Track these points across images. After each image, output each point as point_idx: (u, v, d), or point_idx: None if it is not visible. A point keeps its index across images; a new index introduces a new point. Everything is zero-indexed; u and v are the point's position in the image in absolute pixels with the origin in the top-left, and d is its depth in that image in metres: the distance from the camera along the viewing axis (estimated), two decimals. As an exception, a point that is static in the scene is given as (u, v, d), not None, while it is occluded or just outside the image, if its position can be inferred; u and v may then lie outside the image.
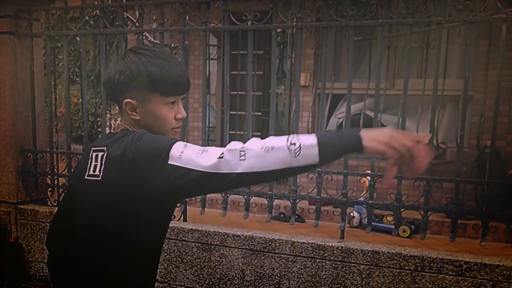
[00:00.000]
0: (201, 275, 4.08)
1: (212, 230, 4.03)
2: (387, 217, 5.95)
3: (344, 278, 3.69)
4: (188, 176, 1.37)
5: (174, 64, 1.61)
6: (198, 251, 4.06)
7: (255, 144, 1.40)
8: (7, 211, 4.66)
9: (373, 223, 4.35)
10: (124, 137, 1.53)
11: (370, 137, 1.43)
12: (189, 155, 1.40)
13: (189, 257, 4.10)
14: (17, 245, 4.62)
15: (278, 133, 6.51)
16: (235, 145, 1.42)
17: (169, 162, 1.40)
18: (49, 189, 4.80)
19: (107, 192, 1.53)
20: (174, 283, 4.17)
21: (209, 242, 4.03)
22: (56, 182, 4.72)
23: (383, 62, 4.47)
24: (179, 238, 4.11)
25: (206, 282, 4.07)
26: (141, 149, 1.47)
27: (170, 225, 4.05)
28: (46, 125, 4.81)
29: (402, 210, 3.84)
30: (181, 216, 4.38)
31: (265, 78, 7.32)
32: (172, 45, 5.27)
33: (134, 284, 1.65)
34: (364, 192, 5.59)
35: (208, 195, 4.44)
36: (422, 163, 1.47)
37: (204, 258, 4.05)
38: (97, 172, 1.56)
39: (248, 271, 3.93)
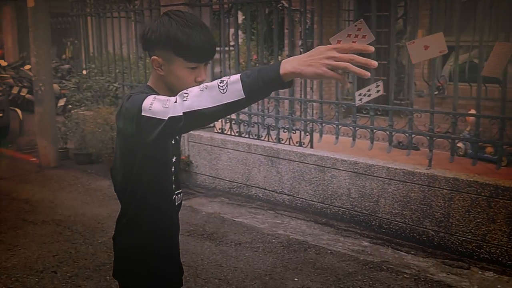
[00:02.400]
0: (317, 191, 5.09)
1: (326, 155, 4.99)
2: (488, 148, 6.33)
3: (429, 200, 4.39)
4: (157, 124, 1.48)
5: (202, 34, 1.69)
6: (315, 172, 5.07)
7: (197, 86, 1.48)
8: (182, 135, 6.12)
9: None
10: (135, 93, 1.66)
11: (287, 62, 1.40)
12: (157, 106, 1.49)
13: (308, 176, 5.12)
14: (188, 161, 6.08)
15: (398, 78, 7.08)
16: (188, 89, 1.49)
17: (142, 114, 1.51)
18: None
19: (117, 134, 1.77)
20: (297, 195, 5.24)
21: (323, 165, 5.00)
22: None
23: (487, 19, 4.90)
24: (301, 161, 5.15)
25: (321, 197, 5.06)
26: (126, 107, 1.62)
27: (295, 150, 5.13)
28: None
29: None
30: (309, 143, 5.40)
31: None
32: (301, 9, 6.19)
33: (143, 197, 1.82)
34: (469, 128, 6.12)
35: (327, 126, 5.40)
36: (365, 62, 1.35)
37: (319, 178, 5.04)
38: None
39: (353, 189, 4.83)
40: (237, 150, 5.65)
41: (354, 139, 5.08)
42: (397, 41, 7.08)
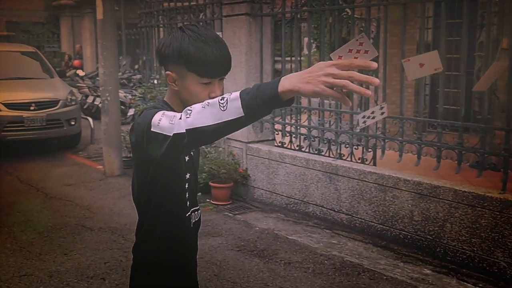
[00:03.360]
0: (377, 212, 4.76)
1: (387, 174, 4.65)
2: None
3: (502, 228, 3.95)
4: (164, 140, 1.47)
5: (215, 48, 1.64)
6: (376, 191, 4.74)
7: (200, 103, 1.45)
8: (240, 148, 6.01)
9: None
10: (148, 108, 1.67)
11: (286, 79, 1.35)
12: (164, 122, 1.48)
13: (368, 195, 4.81)
14: (246, 175, 5.94)
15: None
16: (192, 106, 1.47)
17: (151, 129, 1.51)
18: (276, 132, 5.95)
19: (132, 148, 1.80)
20: (356, 215, 4.93)
21: (384, 184, 4.67)
22: (281, 127, 5.83)
23: None
24: (360, 179, 4.84)
25: (381, 218, 4.73)
26: (138, 122, 1.63)
27: (355, 167, 4.85)
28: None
29: None
30: (371, 160, 5.08)
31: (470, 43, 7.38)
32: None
33: (156, 212, 1.80)
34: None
35: (389, 142, 5.06)
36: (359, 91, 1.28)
37: (380, 197, 4.71)
38: None
39: (416, 212, 4.46)
40: (294, 165, 5.43)
41: (419, 157, 4.71)
42: (478, 50, 6.59)
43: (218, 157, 6.05)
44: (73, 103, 8.77)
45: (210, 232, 4.97)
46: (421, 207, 4.41)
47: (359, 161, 5.10)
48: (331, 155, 5.33)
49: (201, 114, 1.41)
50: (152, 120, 1.51)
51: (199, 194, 5.91)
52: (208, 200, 5.86)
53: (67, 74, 13.86)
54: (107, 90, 6.88)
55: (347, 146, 5.25)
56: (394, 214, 4.62)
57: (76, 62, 15.60)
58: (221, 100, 1.39)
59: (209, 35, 1.67)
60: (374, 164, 5.09)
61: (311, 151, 5.53)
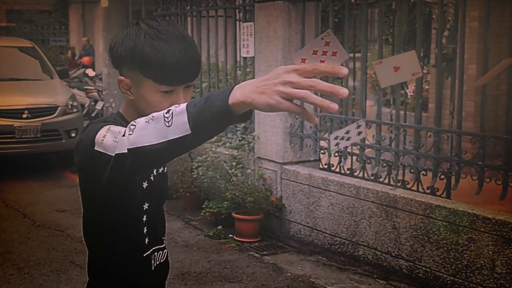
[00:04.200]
0: (447, 259, 4.50)
1: (461, 209, 4.40)
2: None
3: None
4: (107, 162, 1.48)
5: (178, 48, 1.64)
6: (445, 231, 4.49)
7: (145, 116, 1.44)
8: (273, 170, 5.88)
9: None
10: (94, 122, 1.71)
11: (240, 87, 1.31)
12: (109, 139, 1.50)
13: (435, 236, 4.56)
14: (280, 205, 5.79)
15: None
16: (136, 120, 1.47)
17: (95, 148, 1.53)
18: (322, 151, 5.81)
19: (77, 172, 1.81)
20: (419, 263, 4.69)
21: (458, 223, 4.41)
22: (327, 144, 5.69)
23: None
24: (426, 214, 4.60)
25: (452, 267, 4.47)
26: (81, 139, 1.66)
27: (418, 198, 4.65)
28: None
29: None
30: (443, 191, 4.84)
31: None
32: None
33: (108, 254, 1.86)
34: None
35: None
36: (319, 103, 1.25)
37: (451, 240, 4.46)
38: None
39: (499, 261, 4.19)
40: (341, 194, 5.27)
41: (505, 188, 4.44)
42: None
43: (245, 181, 5.97)
44: (74, 110, 8.93)
45: (227, 276, 4.96)
46: (506, 255, 4.15)
47: (428, 190, 4.88)
48: (391, 182, 5.14)
49: (144, 130, 1.41)
50: (96, 137, 1.54)
51: (219, 227, 5.87)
52: (230, 235, 5.83)
53: (74, 75, 14.15)
54: (111, 94, 6.93)
55: (412, 170, 5.05)
56: (470, 263, 4.37)
57: (85, 60, 15.97)
58: (166, 113, 1.37)
59: (171, 32, 1.66)
60: (448, 196, 4.85)
61: (365, 176, 5.36)
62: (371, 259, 5.08)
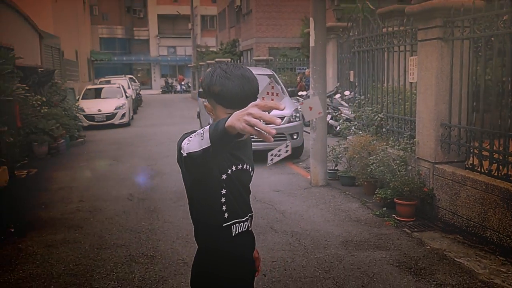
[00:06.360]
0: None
1: None
2: None
3: None
4: (183, 160, 1.74)
5: (237, 84, 1.83)
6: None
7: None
8: (428, 168, 6.01)
9: None
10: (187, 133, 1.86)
11: (233, 114, 1.49)
12: (184, 145, 1.71)
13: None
14: (431, 194, 5.91)
15: None
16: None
17: (182, 152, 1.72)
18: (471, 154, 5.76)
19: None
20: (535, 246, 4.54)
21: None
22: (472, 150, 5.63)
23: None
24: (539, 208, 4.45)
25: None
26: (177, 144, 1.82)
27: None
28: (462, 106, 5.83)
29: None
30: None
31: None
32: None
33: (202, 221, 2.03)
34: None
35: None
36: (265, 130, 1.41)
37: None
38: None
39: None
40: (475, 188, 5.23)
41: None
42: None
43: (406, 175, 6.14)
44: (296, 119, 9.76)
45: (378, 245, 5.15)
46: None
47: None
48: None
49: (193, 141, 1.66)
50: (183, 143, 1.73)
51: (384, 209, 6.13)
52: (393, 215, 6.02)
53: (300, 93, 15.10)
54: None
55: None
56: None
57: (301, 85, 16.87)
58: (202, 131, 1.62)
59: (234, 72, 1.87)
60: None
61: (499, 175, 5.22)
62: (495, 240, 4.97)
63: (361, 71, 8.30)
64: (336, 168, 8.16)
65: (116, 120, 17.37)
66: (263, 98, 1.49)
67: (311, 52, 7.61)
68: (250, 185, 2.17)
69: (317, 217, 6.19)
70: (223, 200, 1.98)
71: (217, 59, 26.73)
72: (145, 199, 7.25)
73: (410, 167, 6.33)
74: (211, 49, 37.05)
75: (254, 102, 1.47)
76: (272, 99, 1.48)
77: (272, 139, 1.47)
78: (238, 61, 25.24)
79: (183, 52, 52.02)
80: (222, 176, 1.97)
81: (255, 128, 1.43)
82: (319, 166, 7.72)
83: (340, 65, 13.60)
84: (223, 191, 1.98)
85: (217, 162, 1.91)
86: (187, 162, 1.72)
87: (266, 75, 11.46)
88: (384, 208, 6.18)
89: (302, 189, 7.64)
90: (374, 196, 6.43)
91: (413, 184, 5.93)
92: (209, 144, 1.58)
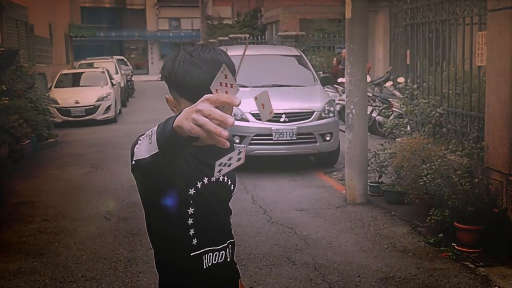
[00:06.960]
0: None
1: None
2: None
3: None
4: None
5: (205, 71, 1.85)
6: None
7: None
8: (499, 181, 5.90)
9: None
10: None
11: (182, 112, 1.51)
12: (137, 148, 1.75)
13: None
14: (503, 217, 5.79)
15: None
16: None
17: (133, 158, 1.76)
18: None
19: None
20: None
21: None
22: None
23: None
24: None
25: None
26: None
27: None
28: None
29: None
30: None
31: None
32: None
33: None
34: None
35: None
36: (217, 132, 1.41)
37: None
38: None
39: None
40: None
41: None
42: None
43: (471, 190, 6.03)
44: (330, 115, 9.74)
45: (429, 285, 5.13)
46: None
47: None
48: None
49: (141, 145, 1.70)
50: (134, 150, 1.79)
51: (440, 235, 6.04)
52: (452, 244, 5.93)
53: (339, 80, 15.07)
54: (352, 101, 7.54)
55: None
56: None
57: (338, 68, 16.70)
58: (151, 131, 1.64)
59: (202, 56, 1.88)
60: None
61: None
62: None
63: (414, 51, 8.23)
64: (380, 180, 8.10)
65: (98, 115, 17.59)
66: (216, 90, 1.49)
67: (346, 26, 7.59)
68: (230, 203, 2.16)
69: (350, 245, 6.16)
70: (190, 222, 1.98)
71: (231, 35, 26.77)
72: (127, 219, 7.31)
73: (476, 179, 6.22)
74: (225, 21, 37.22)
75: (206, 95, 1.47)
76: (227, 92, 1.48)
77: (228, 143, 1.47)
78: (260, 37, 25.22)
79: (189, 26, 52.41)
80: (189, 191, 1.96)
81: (204, 128, 1.42)
82: (357, 178, 7.68)
83: (394, 42, 13.45)
84: (190, 210, 1.98)
85: (182, 172, 1.88)
86: (137, 172, 1.76)
87: (292, 56, 11.51)
88: (441, 235, 6.11)
89: (333, 207, 7.63)
90: (428, 218, 6.35)
91: (480, 203, 5.84)
92: (157, 150, 1.60)
